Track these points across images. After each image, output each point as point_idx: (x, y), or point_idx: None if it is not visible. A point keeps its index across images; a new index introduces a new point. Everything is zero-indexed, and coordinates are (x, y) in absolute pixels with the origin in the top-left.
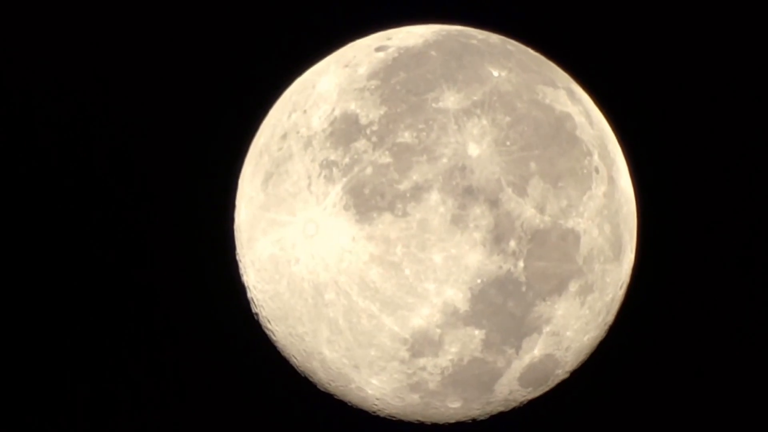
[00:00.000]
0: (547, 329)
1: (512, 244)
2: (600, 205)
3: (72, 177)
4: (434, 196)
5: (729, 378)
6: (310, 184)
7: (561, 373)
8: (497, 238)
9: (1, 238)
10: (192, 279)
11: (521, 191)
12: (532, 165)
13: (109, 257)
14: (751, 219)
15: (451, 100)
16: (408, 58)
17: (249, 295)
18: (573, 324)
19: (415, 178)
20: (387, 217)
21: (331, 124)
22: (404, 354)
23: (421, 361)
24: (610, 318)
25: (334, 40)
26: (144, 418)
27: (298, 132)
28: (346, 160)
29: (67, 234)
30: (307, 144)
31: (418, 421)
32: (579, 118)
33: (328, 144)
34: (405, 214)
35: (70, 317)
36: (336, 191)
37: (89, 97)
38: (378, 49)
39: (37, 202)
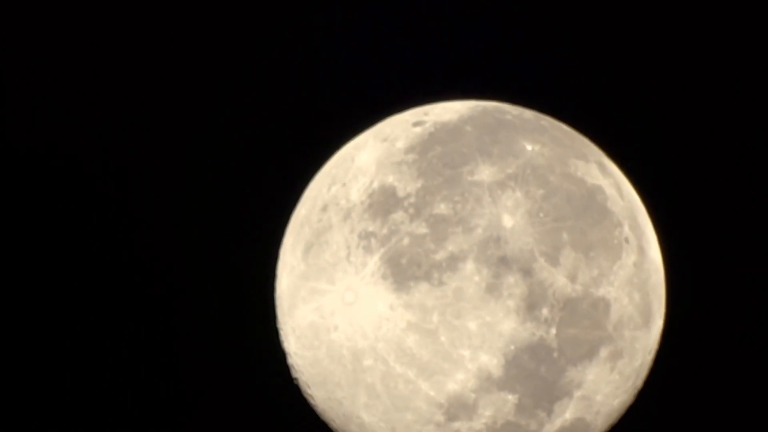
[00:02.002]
0: (578, 394)
1: (545, 311)
2: (630, 274)
3: (127, 248)
4: (469, 266)
5: None
6: (349, 254)
7: None
8: (530, 306)
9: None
10: (235, 345)
11: (554, 261)
12: (565, 236)
13: (161, 324)
14: None
15: (485, 173)
16: (444, 133)
17: (289, 360)
18: (603, 388)
19: (450, 248)
20: (423, 286)
21: (370, 196)
22: (440, 418)
23: (456, 425)
24: (639, 383)
25: (373, 115)
26: None
27: (337, 204)
28: (384, 231)
29: (124, 300)
30: (347, 215)
31: None
32: (610, 191)
33: (366, 215)
34: (441, 283)
35: (124, 378)
36: (374, 261)
37: (140, 176)
38: (415, 124)
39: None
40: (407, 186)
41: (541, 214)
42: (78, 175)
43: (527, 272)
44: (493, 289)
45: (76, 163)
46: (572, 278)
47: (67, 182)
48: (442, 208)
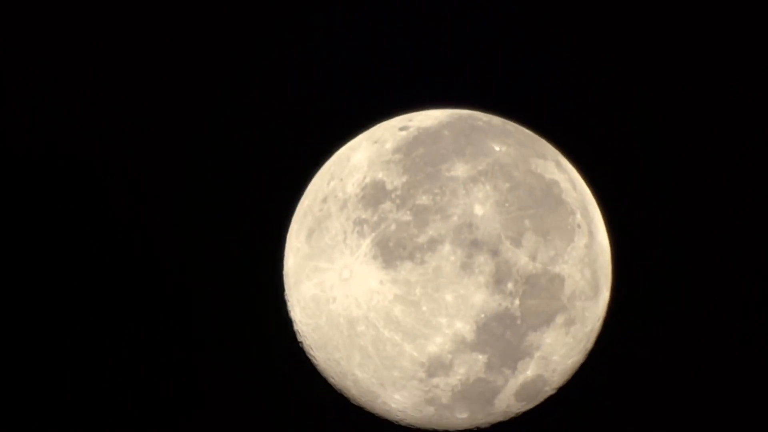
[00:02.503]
0: (537, 354)
1: (510, 285)
2: (581, 255)
3: (156, 243)
4: (446, 248)
5: (684, 389)
6: (345, 238)
7: (549, 389)
8: (497, 281)
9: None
10: (249, 315)
11: (517, 243)
12: (526, 222)
13: (185, 298)
14: (704, 264)
15: (460, 170)
16: (426, 136)
17: (295, 327)
18: (559, 350)
19: (430, 233)
20: (408, 264)
21: (363, 189)
22: (422, 374)
23: (435, 380)
24: (590, 345)
25: (366, 121)
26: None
27: (335, 196)
28: (375, 218)
29: (156, 287)
30: (343, 205)
31: (433, 429)
32: (565, 184)
33: (360, 205)
34: (422, 262)
35: (146, 349)
36: (366, 243)
37: (165, 172)
38: (401, 129)
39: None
40: (394, 181)
41: (507, 204)
42: (99, 165)
43: (495, 253)
44: (466, 267)
45: (97, 157)
46: (533, 258)
47: (90, 175)
48: (423, 199)
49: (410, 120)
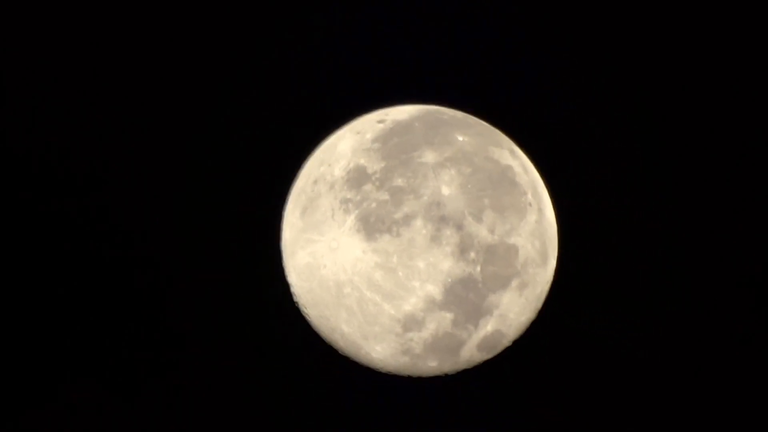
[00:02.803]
0: (496, 312)
1: (472, 254)
2: (532, 228)
3: (164, 217)
4: (418, 222)
5: (616, 339)
6: (333, 215)
7: (506, 342)
8: (462, 251)
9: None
10: (252, 280)
11: (478, 219)
12: (486, 201)
13: (194, 265)
14: (637, 235)
15: (430, 156)
16: (400, 128)
17: (292, 290)
18: (514, 309)
19: (405, 210)
20: (386, 236)
21: (348, 173)
22: (398, 329)
23: (410, 335)
24: (539, 305)
25: (348, 114)
26: (218, 379)
27: (324, 179)
28: (358, 197)
29: (163, 260)
30: (331, 186)
31: (408, 375)
32: (518, 169)
33: (345, 187)
34: (398, 234)
35: (158, 317)
36: (351, 219)
37: (180, 150)
38: (379, 122)
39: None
40: (374, 166)
41: (469, 186)
42: (111, 154)
43: (459, 227)
44: (435, 239)
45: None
46: (491, 231)
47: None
48: (399, 182)
49: (386, 114)
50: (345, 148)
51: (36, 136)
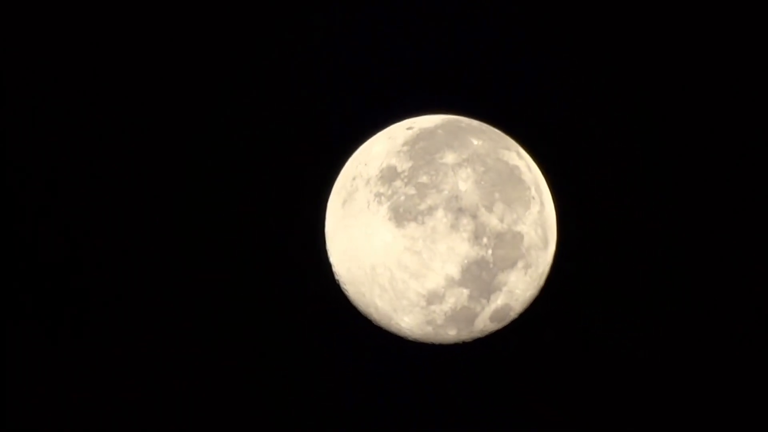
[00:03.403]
0: (505, 289)
1: (485, 240)
2: (535, 218)
3: (219, 210)
4: (440, 213)
5: (608, 315)
6: (368, 206)
7: (513, 314)
8: (476, 237)
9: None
10: (300, 261)
11: (490, 210)
12: (496, 195)
13: (250, 254)
14: (631, 226)
15: (450, 158)
16: (425, 134)
17: (333, 269)
18: (520, 286)
19: (429, 202)
20: (413, 224)
21: (381, 171)
22: (423, 303)
23: (432, 308)
24: (542, 282)
25: (384, 122)
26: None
27: (362, 176)
28: (389, 191)
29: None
30: (367, 182)
31: (431, 342)
32: (523, 168)
33: (379, 183)
34: (423, 222)
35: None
36: (384, 209)
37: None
38: (408, 128)
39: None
40: (403, 165)
41: (482, 182)
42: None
43: (474, 216)
44: (454, 227)
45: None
46: (501, 220)
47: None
48: (424, 179)
49: (414, 122)
50: (379, 150)
51: (44, 137)
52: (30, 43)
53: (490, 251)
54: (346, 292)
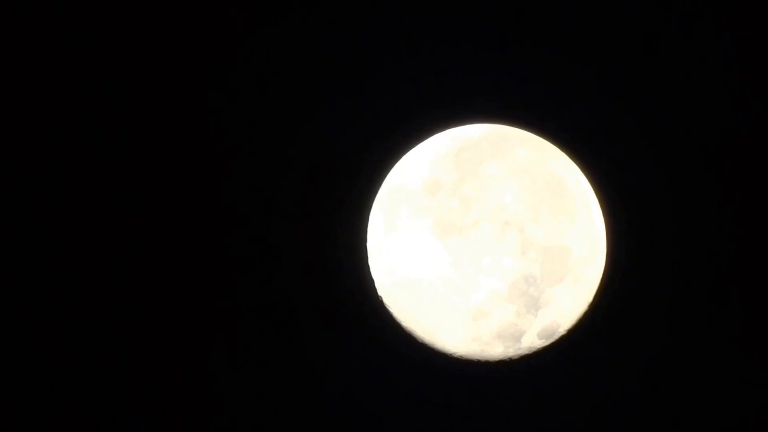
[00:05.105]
0: (552, 305)
1: (532, 254)
2: (583, 232)
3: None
4: (485, 226)
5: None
6: (411, 219)
7: (562, 330)
8: (523, 251)
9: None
10: (341, 277)
11: (536, 222)
12: (543, 207)
13: (297, 265)
14: (678, 241)
15: (494, 168)
16: (470, 144)
17: (376, 285)
18: (568, 302)
19: (473, 215)
20: (457, 238)
21: (424, 183)
22: (468, 319)
23: (478, 324)
24: (591, 297)
25: (428, 132)
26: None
27: (404, 188)
28: (433, 204)
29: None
30: (409, 195)
31: (476, 359)
32: (571, 179)
33: (422, 194)
34: (468, 236)
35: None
36: (427, 222)
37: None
38: (452, 139)
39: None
40: (448, 177)
41: (528, 194)
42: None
43: (521, 230)
44: (500, 240)
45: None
46: (547, 234)
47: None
48: (468, 190)
49: (457, 132)
50: (422, 161)
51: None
52: (30, 42)
53: (537, 266)
54: (388, 308)
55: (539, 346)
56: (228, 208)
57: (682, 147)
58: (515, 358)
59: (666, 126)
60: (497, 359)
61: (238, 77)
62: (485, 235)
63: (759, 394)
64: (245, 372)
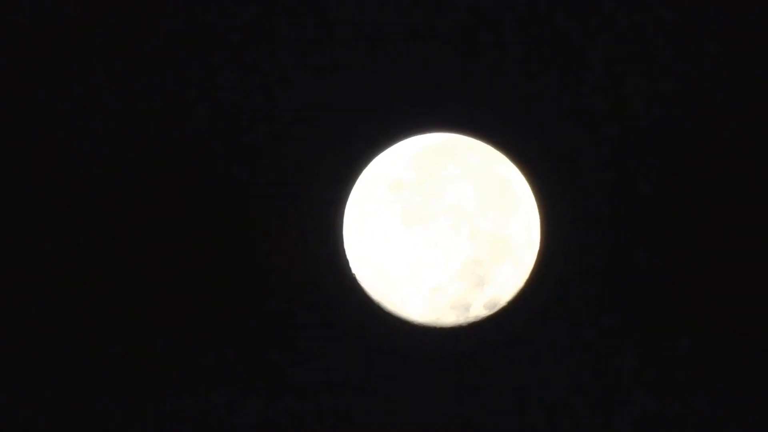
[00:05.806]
0: (495, 282)
1: (480, 240)
2: (523, 222)
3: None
4: (442, 218)
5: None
6: (380, 211)
7: (502, 303)
8: (473, 238)
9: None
10: (321, 256)
11: (484, 215)
12: (490, 203)
13: (277, 251)
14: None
15: (451, 170)
16: (431, 149)
17: (349, 264)
18: (508, 279)
19: (432, 209)
20: (419, 227)
21: (392, 180)
22: (427, 293)
23: (435, 297)
24: (527, 276)
25: (395, 138)
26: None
27: (375, 184)
28: (399, 198)
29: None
30: (380, 190)
31: (433, 326)
32: (514, 180)
33: (389, 191)
34: (428, 226)
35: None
36: (393, 213)
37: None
38: (415, 145)
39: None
40: (410, 176)
41: (478, 192)
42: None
43: (472, 221)
44: (455, 229)
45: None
46: (494, 224)
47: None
48: (428, 188)
49: (420, 139)
50: (391, 162)
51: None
52: (29, 42)
53: (485, 250)
54: (360, 284)
55: (484, 315)
56: (205, 201)
57: (617, 151)
58: (465, 325)
59: (592, 131)
60: (450, 326)
61: (210, 73)
62: (443, 226)
63: (688, 366)
64: (225, 352)
